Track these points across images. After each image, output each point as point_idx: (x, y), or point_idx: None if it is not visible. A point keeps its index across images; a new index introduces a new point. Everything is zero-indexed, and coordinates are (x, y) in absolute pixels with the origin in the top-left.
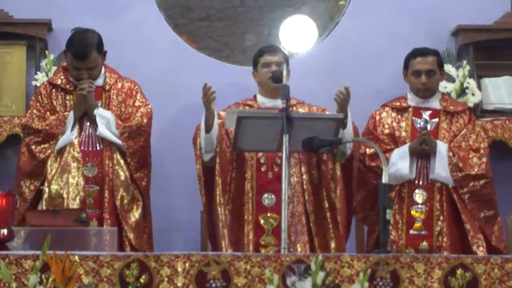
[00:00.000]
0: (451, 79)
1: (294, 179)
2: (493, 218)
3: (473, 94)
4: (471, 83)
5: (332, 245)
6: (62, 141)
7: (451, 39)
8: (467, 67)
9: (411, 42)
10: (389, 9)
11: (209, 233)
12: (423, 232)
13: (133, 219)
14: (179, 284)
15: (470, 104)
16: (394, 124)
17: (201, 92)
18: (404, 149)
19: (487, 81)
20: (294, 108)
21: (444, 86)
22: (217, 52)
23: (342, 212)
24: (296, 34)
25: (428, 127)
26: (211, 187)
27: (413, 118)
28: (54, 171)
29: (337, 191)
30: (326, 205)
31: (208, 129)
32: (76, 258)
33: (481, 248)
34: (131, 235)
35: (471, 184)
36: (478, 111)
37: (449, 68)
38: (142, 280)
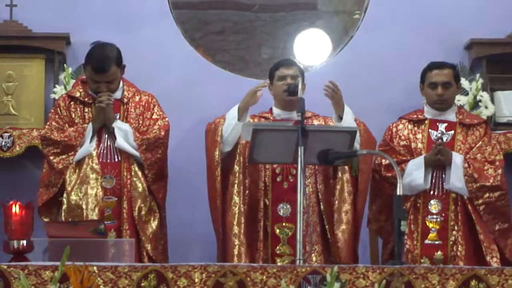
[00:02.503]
0: (464, 92)
1: (310, 189)
2: (508, 231)
3: (486, 107)
4: (484, 96)
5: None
6: (81, 152)
7: (464, 52)
8: (480, 80)
9: (425, 56)
10: (402, 23)
11: (213, 217)
12: (437, 242)
13: (150, 230)
14: None
15: (483, 117)
16: (411, 135)
17: (218, 104)
18: (419, 160)
19: (500, 94)
20: (310, 121)
21: (458, 99)
22: (232, 65)
23: (351, 226)
24: (311, 48)
25: (444, 139)
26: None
27: (430, 130)
28: (73, 182)
29: (343, 206)
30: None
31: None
32: (95, 269)
33: (495, 259)
34: (148, 246)
35: (486, 195)
36: (491, 124)
37: (462, 81)
38: None
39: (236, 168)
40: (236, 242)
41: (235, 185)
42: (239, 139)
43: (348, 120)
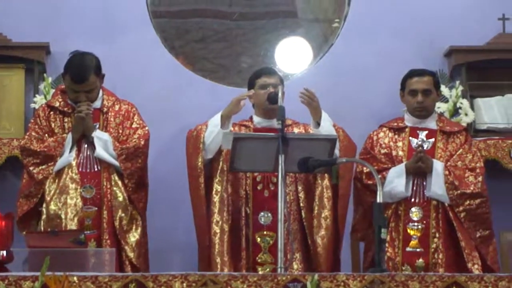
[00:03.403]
0: (444, 99)
1: (290, 197)
2: (489, 239)
3: (466, 114)
4: (464, 103)
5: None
6: (60, 162)
7: (444, 60)
8: (460, 88)
9: (405, 63)
10: (382, 30)
11: (198, 224)
12: (419, 250)
13: (133, 239)
14: None
15: (463, 124)
16: (391, 143)
17: (198, 113)
18: (400, 168)
19: (480, 101)
20: (290, 128)
21: (438, 106)
22: (213, 73)
23: (330, 232)
24: (291, 56)
25: (425, 146)
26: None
27: (410, 138)
28: (52, 192)
29: (322, 211)
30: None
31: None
32: (75, 279)
33: (476, 266)
34: (131, 255)
35: (467, 202)
36: (471, 131)
37: (442, 88)
38: None
39: (218, 177)
40: (217, 249)
41: (219, 193)
42: (221, 147)
43: (326, 127)
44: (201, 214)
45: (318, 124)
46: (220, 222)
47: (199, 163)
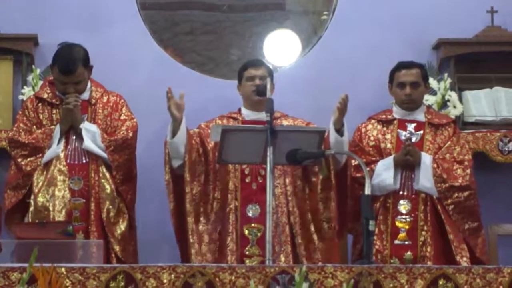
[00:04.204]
0: (432, 92)
1: (278, 190)
2: (477, 230)
3: (454, 107)
4: (453, 95)
5: (316, 256)
6: (48, 154)
7: (432, 52)
8: (449, 80)
9: (393, 56)
10: (371, 23)
11: (177, 239)
12: (407, 242)
13: (119, 231)
14: None
15: (452, 117)
16: (380, 136)
17: (186, 105)
18: (389, 161)
19: (468, 94)
20: (279, 121)
21: (426, 98)
22: (201, 65)
23: (335, 221)
24: (280, 48)
25: (413, 139)
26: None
27: (398, 130)
28: (40, 184)
29: (328, 201)
30: (309, 216)
31: (173, 135)
32: (63, 270)
33: (464, 259)
34: (117, 248)
35: (455, 195)
36: (459, 123)
37: (430, 81)
38: None
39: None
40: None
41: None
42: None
43: (347, 136)
44: (172, 209)
45: (337, 131)
46: (192, 214)
47: (167, 175)
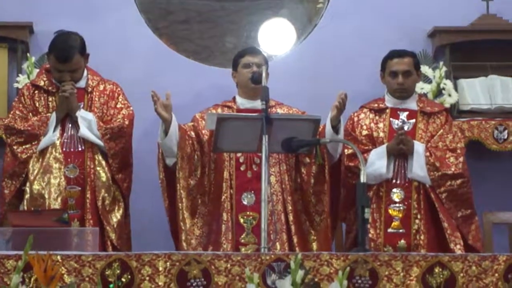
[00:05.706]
0: (427, 80)
1: (274, 178)
2: (470, 218)
3: (449, 95)
4: (448, 84)
5: (314, 247)
6: (44, 142)
7: (427, 40)
8: (444, 68)
9: (388, 44)
10: (366, 11)
11: (173, 236)
12: (401, 231)
13: (114, 219)
14: (160, 283)
15: (447, 105)
16: (372, 125)
17: (181, 93)
18: (381, 149)
19: (463, 82)
20: (274, 109)
21: (421, 87)
22: (197, 54)
23: (328, 214)
24: (275, 37)
25: (405, 127)
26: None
27: (391, 119)
28: (36, 171)
29: (321, 195)
30: (299, 207)
31: (165, 134)
32: (58, 258)
33: (458, 246)
34: (113, 236)
35: (448, 183)
36: (454, 111)
37: (425, 69)
38: (123, 279)
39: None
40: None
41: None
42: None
43: (342, 136)
44: (166, 207)
45: (333, 128)
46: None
47: (160, 174)
